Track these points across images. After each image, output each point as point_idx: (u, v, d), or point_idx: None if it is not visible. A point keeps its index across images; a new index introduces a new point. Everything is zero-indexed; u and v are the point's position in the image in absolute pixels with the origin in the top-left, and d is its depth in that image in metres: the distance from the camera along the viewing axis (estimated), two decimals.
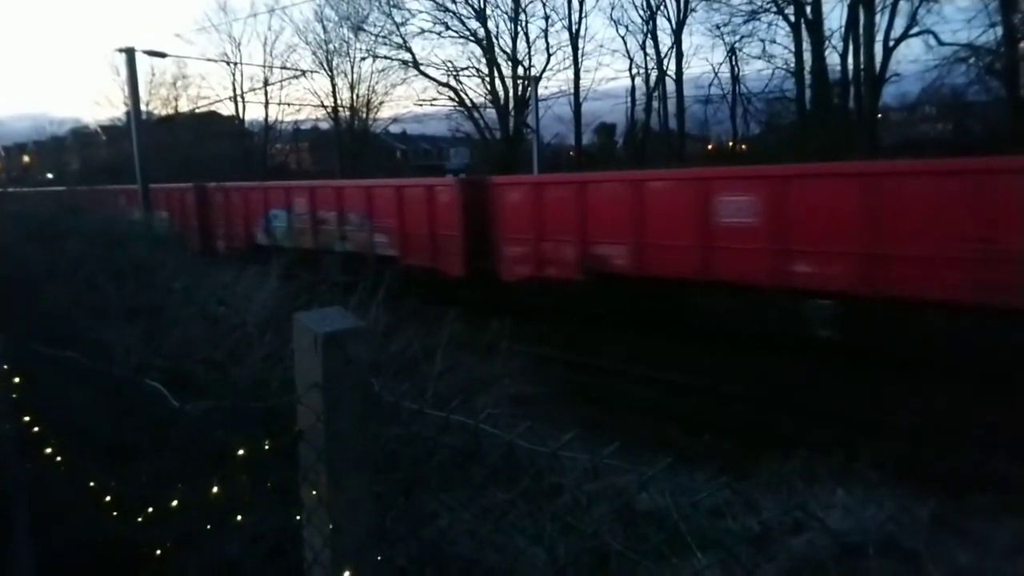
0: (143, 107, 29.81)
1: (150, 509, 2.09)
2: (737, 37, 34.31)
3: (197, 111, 45.17)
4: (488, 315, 8.60)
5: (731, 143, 39.37)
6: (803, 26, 31.05)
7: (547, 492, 2.56)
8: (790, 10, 31.55)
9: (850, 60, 30.18)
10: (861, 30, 29.46)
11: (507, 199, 16.59)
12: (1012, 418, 8.53)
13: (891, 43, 29.21)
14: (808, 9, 30.80)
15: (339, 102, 46.65)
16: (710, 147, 42.01)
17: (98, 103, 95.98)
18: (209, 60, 49.42)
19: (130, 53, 22.48)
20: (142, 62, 24.63)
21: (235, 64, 47.61)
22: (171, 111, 47.61)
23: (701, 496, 2.30)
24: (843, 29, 30.38)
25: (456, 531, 2.47)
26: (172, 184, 26.58)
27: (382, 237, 18.93)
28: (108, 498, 2.18)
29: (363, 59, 44.72)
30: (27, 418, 2.32)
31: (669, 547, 2.33)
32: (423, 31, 40.94)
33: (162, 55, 25.50)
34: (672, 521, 2.39)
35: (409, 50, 41.81)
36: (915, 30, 28.91)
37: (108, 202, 23.46)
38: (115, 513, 2.18)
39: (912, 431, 8.90)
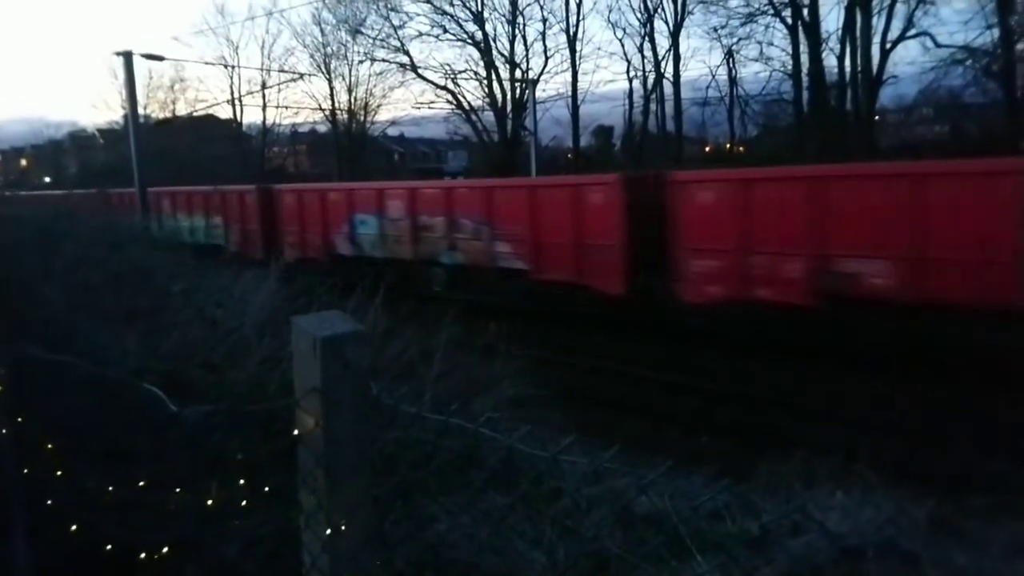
0: (141, 110, 29.80)
1: (148, 513, 2.08)
2: (734, 39, 34.41)
3: (195, 114, 45.20)
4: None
5: (728, 145, 39.43)
6: (800, 28, 31.11)
7: (546, 496, 2.56)
8: (787, 12, 31.64)
9: (847, 62, 30.28)
10: (858, 32, 29.53)
11: (694, 200, 12.93)
12: (1010, 418, 8.54)
13: (888, 45, 29.31)
14: (805, 11, 30.87)
15: (337, 105, 46.72)
16: (708, 149, 42.08)
17: (95, 106, 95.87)
18: (207, 63, 49.54)
19: (128, 57, 22.47)
20: (140, 65, 24.70)
21: (233, 67, 47.67)
22: (169, 114, 47.68)
23: (701, 500, 2.30)
24: (840, 31, 30.47)
25: (455, 535, 2.47)
26: (233, 186, 24.79)
27: (506, 246, 15.80)
28: (106, 501, 2.17)
29: (361, 62, 44.79)
30: (23, 421, 2.31)
31: (668, 550, 2.33)
32: (421, 34, 40.99)
33: (160, 58, 25.54)
34: (671, 524, 2.39)
35: (407, 53, 41.88)
36: (912, 32, 29.03)
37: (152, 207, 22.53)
38: (113, 517, 2.17)
39: (910, 431, 8.91)
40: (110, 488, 2.18)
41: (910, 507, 3.20)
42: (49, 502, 2.36)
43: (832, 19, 39.58)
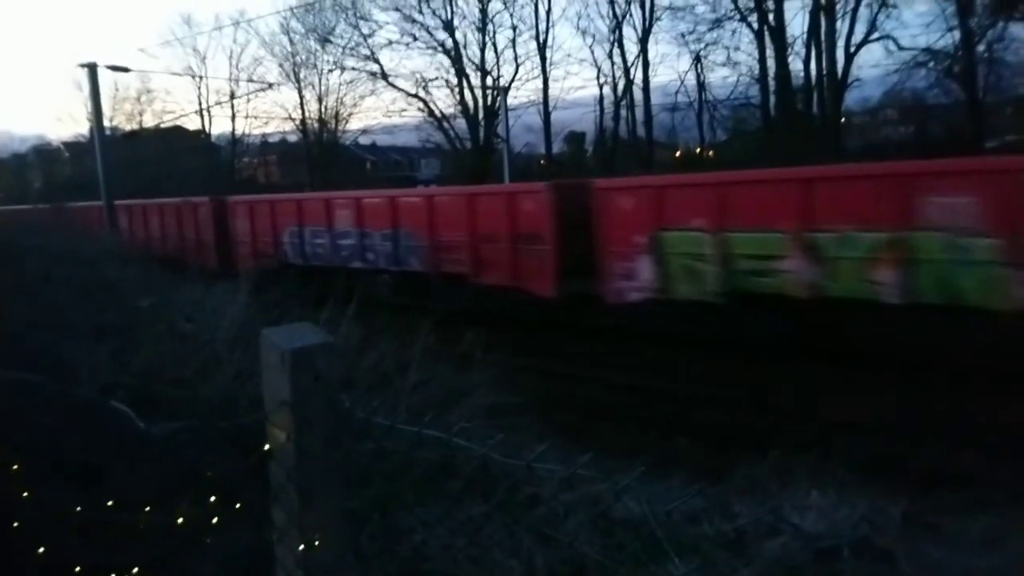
0: (107, 123, 29.43)
1: (117, 533, 2.04)
2: (702, 45, 34.76)
3: (162, 126, 44.72)
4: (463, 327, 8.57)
5: (698, 150, 39.79)
6: (766, 33, 31.53)
7: (523, 504, 2.55)
8: (753, 18, 32.05)
9: (813, 66, 30.78)
10: (823, 36, 30.04)
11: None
12: (980, 414, 8.69)
13: (852, 48, 29.85)
14: (771, 16, 31.31)
15: (307, 114, 46.49)
16: (678, 154, 42.43)
17: (60, 120, 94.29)
18: (174, 74, 48.95)
19: (92, 68, 22.19)
20: (105, 77, 24.32)
21: (200, 78, 47.27)
22: (136, 126, 47.11)
23: (675, 504, 2.31)
24: (805, 35, 31.00)
25: (432, 546, 2.45)
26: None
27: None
28: (73, 523, 2.13)
29: (330, 71, 44.65)
30: None
31: (647, 554, 2.33)
32: (391, 42, 40.96)
33: (125, 70, 25.21)
34: (649, 528, 2.39)
35: (377, 61, 41.82)
36: (875, 35, 29.61)
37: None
38: (81, 538, 2.13)
39: (883, 429, 9.01)
40: (78, 508, 2.14)
41: (885, 505, 3.24)
42: (16, 524, 2.31)
43: (797, 23, 40.26)
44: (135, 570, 2.07)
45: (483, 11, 39.09)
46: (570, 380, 12.10)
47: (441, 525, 2.46)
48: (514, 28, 40.18)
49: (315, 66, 45.04)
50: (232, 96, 46.87)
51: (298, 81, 45.59)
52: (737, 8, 32.34)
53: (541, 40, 39.00)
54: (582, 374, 12.32)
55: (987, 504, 4.68)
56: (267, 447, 1.69)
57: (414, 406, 3.50)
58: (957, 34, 26.98)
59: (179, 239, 23.03)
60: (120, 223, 24.75)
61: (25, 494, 2.28)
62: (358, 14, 40.93)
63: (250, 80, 45.47)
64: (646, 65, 36.94)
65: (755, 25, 32.04)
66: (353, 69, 43.00)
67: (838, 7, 29.59)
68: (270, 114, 58.35)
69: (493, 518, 2.47)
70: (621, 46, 37.56)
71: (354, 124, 47.94)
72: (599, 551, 2.38)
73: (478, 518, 2.46)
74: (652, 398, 11.05)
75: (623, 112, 38.52)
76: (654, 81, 37.48)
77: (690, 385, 11.18)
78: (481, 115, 40.04)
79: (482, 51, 39.82)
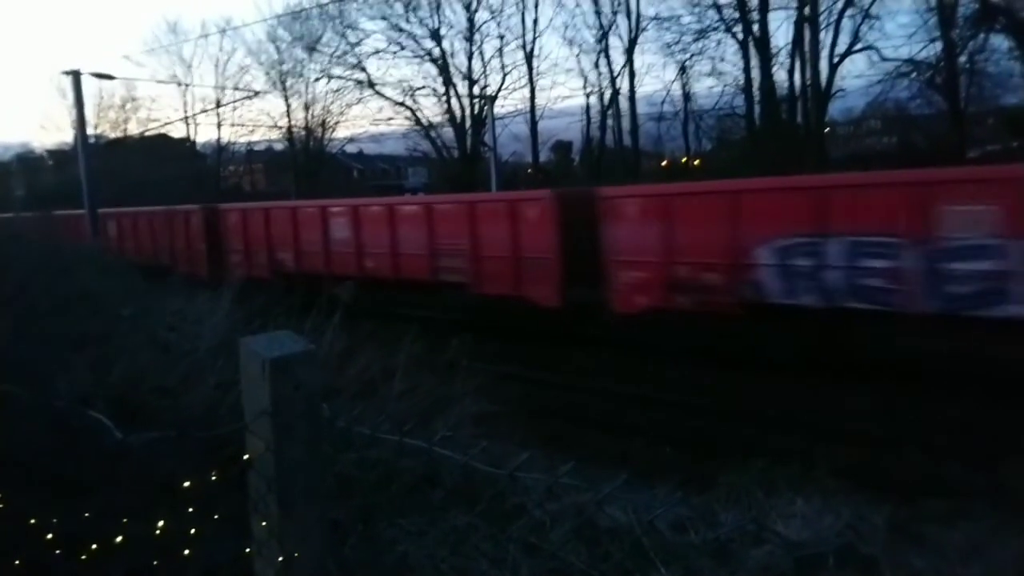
0: (91, 130, 29.19)
1: (94, 546, 2.01)
2: (687, 55, 34.93)
3: (147, 134, 44.43)
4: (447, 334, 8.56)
5: (684, 159, 39.97)
6: (751, 44, 31.76)
7: (508, 513, 2.53)
8: (738, 28, 32.28)
9: (797, 76, 31.00)
10: (807, 47, 30.29)
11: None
12: (964, 424, 8.74)
13: (836, 59, 30.10)
14: (755, 27, 31.56)
15: (293, 123, 46.35)
16: (664, 163, 42.62)
17: (44, 127, 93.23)
18: (159, 82, 48.55)
19: (76, 75, 22.05)
20: (90, 84, 24.22)
21: (186, 85, 47.05)
22: (120, 134, 46.78)
23: (657, 513, 2.30)
24: (790, 46, 31.22)
25: (416, 557, 2.43)
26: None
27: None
28: (50, 536, 2.09)
29: (317, 79, 44.51)
30: None
31: (632, 563, 2.32)
32: (378, 51, 40.93)
33: (110, 77, 25.09)
34: (634, 537, 2.38)
35: (364, 70, 41.77)
36: (858, 46, 29.88)
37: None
38: (58, 551, 2.09)
39: (867, 438, 9.05)
40: (55, 521, 2.10)
41: (869, 513, 3.24)
42: None
43: (782, 34, 40.67)
44: None
45: (470, 20, 39.20)
46: (555, 388, 12.09)
47: (425, 535, 2.44)
48: (501, 37, 40.30)
49: (302, 74, 44.95)
50: (218, 104, 46.66)
51: (285, 89, 45.50)
52: (722, 19, 32.59)
53: (528, 50, 39.16)
54: (566, 382, 12.30)
55: (969, 512, 4.70)
56: (247, 457, 1.67)
57: (400, 414, 3.48)
58: (939, 45, 27.33)
59: (467, 257, 15.91)
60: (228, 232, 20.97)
61: (0, 506, 2.24)
62: (345, 23, 40.93)
63: (236, 88, 45.28)
64: (632, 75, 37.13)
65: (740, 36, 32.28)
66: (340, 78, 42.93)
67: (822, 18, 29.89)
68: (256, 122, 58.06)
69: (477, 528, 2.45)
70: (607, 56, 37.76)
71: (341, 132, 47.83)
72: (585, 560, 2.36)
73: (462, 528, 2.44)
74: (637, 406, 11.06)
75: (609, 121, 38.71)
76: (640, 91, 37.75)
77: (675, 394, 11.20)
78: (468, 124, 40.07)
79: (469, 60, 39.91)
